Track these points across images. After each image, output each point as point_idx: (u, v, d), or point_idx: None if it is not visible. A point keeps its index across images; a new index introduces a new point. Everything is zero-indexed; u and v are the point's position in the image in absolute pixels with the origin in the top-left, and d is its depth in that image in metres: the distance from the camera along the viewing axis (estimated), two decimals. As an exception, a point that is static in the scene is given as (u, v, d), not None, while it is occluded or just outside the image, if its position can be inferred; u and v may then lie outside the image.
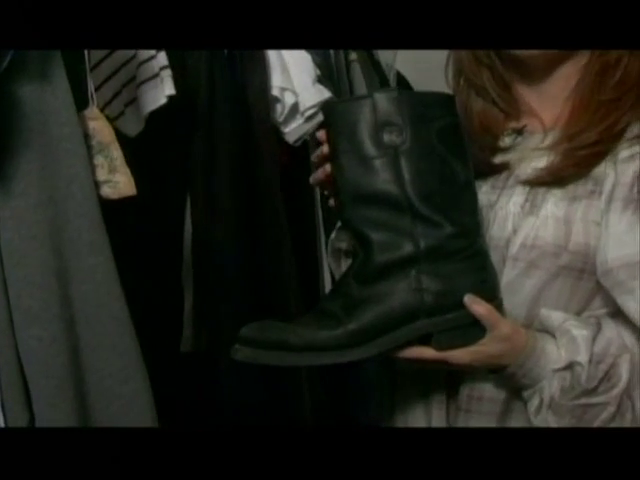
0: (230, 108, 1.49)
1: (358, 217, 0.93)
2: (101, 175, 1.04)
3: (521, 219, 1.01)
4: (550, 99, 1.08)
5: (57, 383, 0.98)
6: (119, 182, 1.05)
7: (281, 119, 1.67)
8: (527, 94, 1.10)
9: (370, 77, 2.43)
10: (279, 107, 1.66)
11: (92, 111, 1.06)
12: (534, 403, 0.97)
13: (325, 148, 0.97)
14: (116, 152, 1.05)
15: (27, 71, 0.96)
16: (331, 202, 1.03)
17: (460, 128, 0.97)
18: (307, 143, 1.80)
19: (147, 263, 1.31)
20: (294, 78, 1.66)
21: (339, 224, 1.17)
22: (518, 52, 1.03)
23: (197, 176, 1.44)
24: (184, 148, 1.43)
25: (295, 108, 1.66)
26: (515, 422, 1.03)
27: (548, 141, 1.05)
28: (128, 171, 1.07)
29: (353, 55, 2.32)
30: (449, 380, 1.05)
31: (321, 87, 1.72)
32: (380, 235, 0.93)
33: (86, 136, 1.04)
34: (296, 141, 1.71)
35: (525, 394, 0.98)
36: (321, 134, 0.98)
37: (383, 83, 2.65)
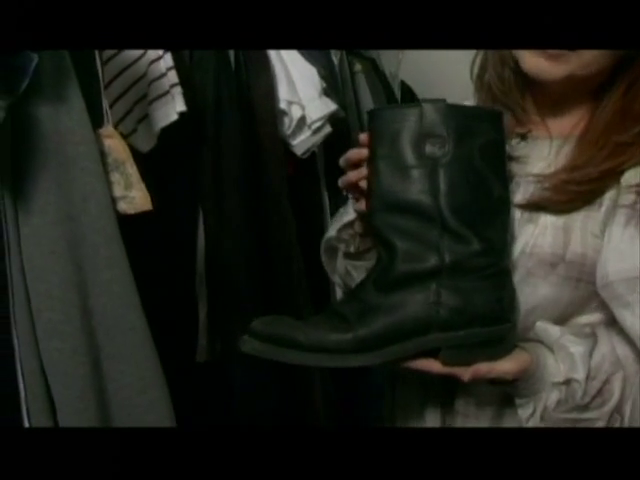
0: (238, 122, 1.52)
1: (387, 224, 0.92)
2: (118, 191, 1.07)
3: (520, 226, 1.01)
4: (562, 111, 1.08)
5: (79, 393, 1.01)
6: (135, 197, 1.08)
7: (289, 132, 1.70)
8: (540, 102, 1.10)
9: (375, 87, 2.47)
10: (286, 120, 1.69)
11: (107, 129, 1.09)
12: (527, 411, 0.98)
13: (364, 151, 0.96)
14: (131, 169, 1.08)
15: (43, 92, 1.00)
16: (357, 206, 1.03)
17: (503, 146, 0.96)
18: (314, 154, 1.84)
19: (161, 276, 1.34)
20: (300, 91, 1.70)
21: (337, 224, 1.18)
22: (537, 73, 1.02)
23: (208, 190, 1.47)
24: (195, 162, 1.46)
25: (302, 121, 1.70)
26: (507, 424, 1.03)
27: (551, 155, 1.06)
28: (143, 187, 1.10)
29: (358, 66, 2.36)
30: (447, 385, 1.06)
31: (327, 100, 1.76)
32: (406, 244, 0.92)
33: (102, 154, 1.08)
34: (304, 153, 1.75)
35: (519, 401, 0.99)
36: (363, 137, 0.96)
37: (388, 93, 2.68)
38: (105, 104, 1.11)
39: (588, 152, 1.01)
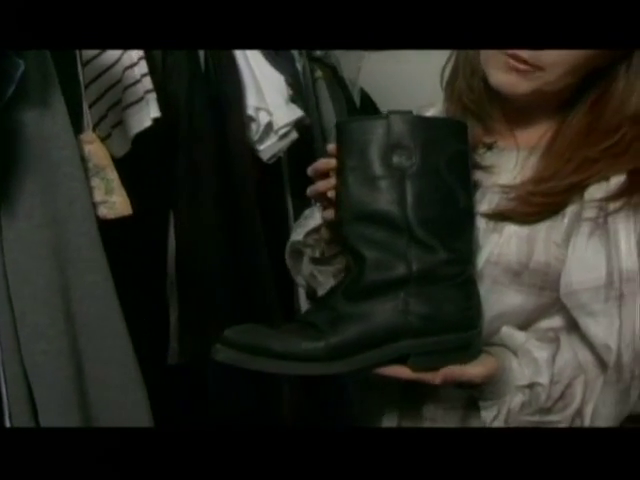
0: (210, 128, 1.54)
1: (355, 234, 0.93)
2: (98, 196, 1.09)
3: (485, 235, 1.03)
4: (529, 122, 1.10)
5: (62, 395, 1.03)
6: (115, 202, 1.10)
7: (256, 137, 1.73)
8: (508, 112, 1.11)
9: (335, 94, 2.51)
10: (254, 126, 1.71)
11: (88, 135, 1.11)
12: (491, 414, 1.00)
13: (332, 162, 0.96)
14: (112, 174, 1.10)
15: (28, 98, 1.02)
16: (325, 214, 1.03)
17: (468, 157, 0.97)
18: (279, 159, 1.87)
19: (133, 280, 1.35)
20: (268, 98, 1.72)
21: (303, 228, 1.19)
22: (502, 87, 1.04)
23: (180, 194, 1.49)
24: (166, 167, 1.47)
25: (269, 127, 1.72)
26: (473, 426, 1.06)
27: (517, 166, 1.08)
28: (124, 192, 1.12)
29: (319, 73, 2.39)
30: (406, 392, 1.09)
31: (294, 106, 1.79)
32: (374, 254, 0.92)
33: (82, 159, 1.09)
34: (270, 158, 1.77)
35: (483, 404, 1.00)
36: (331, 148, 0.97)
37: (348, 100, 2.72)
38: (86, 110, 1.12)
39: (554, 165, 1.03)
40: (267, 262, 1.67)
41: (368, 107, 2.96)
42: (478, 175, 1.05)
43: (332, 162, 0.96)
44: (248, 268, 1.62)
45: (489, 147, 1.09)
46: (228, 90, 1.62)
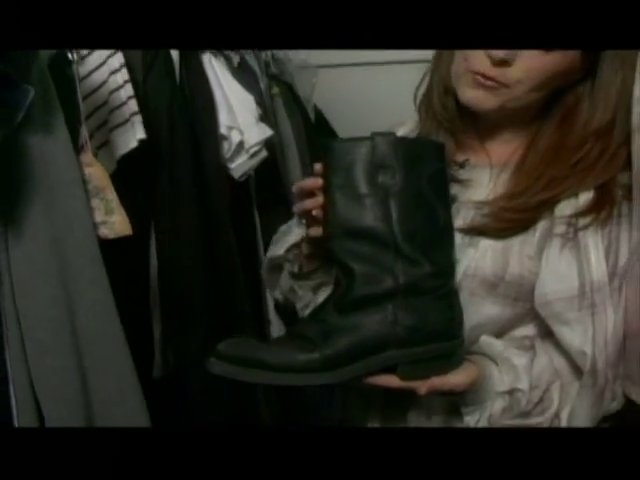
0: (187, 147, 1.59)
1: (344, 249, 0.96)
2: (98, 216, 1.13)
3: (462, 250, 1.06)
4: (501, 139, 1.14)
5: (68, 408, 1.06)
6: (115, 222, 1.14)
7: (228, 156, 1.78)
8: (481, 129, 1.15)
9: (292, 110, 2.56)
10: (226, 144, 1.76)
11: (87, 157, 1.15)
12: (474, 419, 1.04)
13: (319, 181, 1.00)
14: (111, 195, 1.14)
15: (33, 123, 1.05)
16: (311, 231, 1.06)
17: (446, 175, 1.01)
18: (249, 178, 1.93)
19: (118, 296, 1.39)
20: (239, 117, 1.78)
21: (283, 243, 1.23)
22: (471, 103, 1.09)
23: (160, 212, 1.54)
24: (148, 186, 1.51)
25: (241, 145, 1.77)
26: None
27: (491, 182, 1.12)
28: (123, 212, 1.16)
29: (275, 89, 2.45)
30: (389, 399, 1.14)
31: (263, 125, 1.85)
32: (363, 268, 0.95)
33: (83, 181, 1.13)
34: (241, 176, 1.83)
35: (465, 410, 1.04)
36: (317, 167, 1.01)
37: (303, 116, 2.78)
38: (85, 133, 1.16)
39: (525, 182, 1.07)
40: (242, 276, 1.72)
41: (322, 123, 3.03)
42: (453, 190, 1.09)
43: (319, 181, 1.00)
44: (224, 282, 1.67)
45: (461, 165, 1.14)
46: (203, 110, 1.67)
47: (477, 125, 1.15)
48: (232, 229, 1.72)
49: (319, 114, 3.04)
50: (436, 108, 1.15)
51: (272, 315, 1.99)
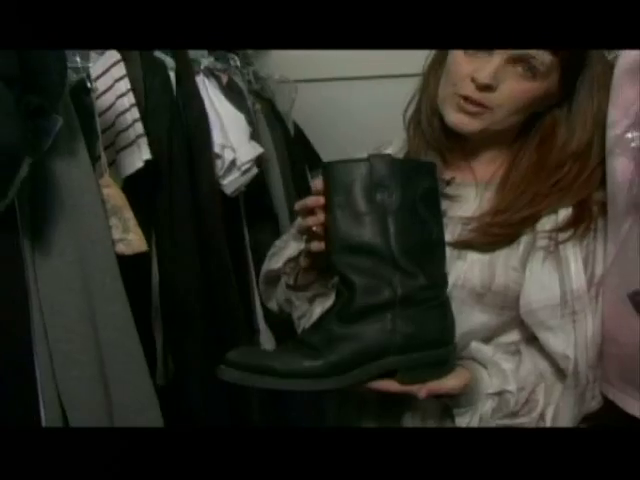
0: (185, 166, 1.66)
1: (345, 263, 1.01)
2: (116, 234, 1.20)
3: (451, 262, 1.12)
4: (485, 158, 1.21)
5: (93, 417, 1.13)
6: (132, 240, 1.21)
7: (221, 173, 1.85)
8: (467, 149, 1.21)
9: (273, 125, 2.64)
10: (219, 162, 1.83)
11: (105, 179, 1.22)
12: (465, 419, 1.10)
13: (321, 199, 1.05)
14: (128, 214, 1.21)
15: (58, 149, 1.12)
16: (313, 246, 1.11)
17: (438, 193, 1.07)
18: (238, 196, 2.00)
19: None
20: (231, 136, 1.85)
21: (280, 257, 1.29)
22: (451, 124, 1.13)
23: (161, 228, 1.60)
24: (149, 202, 1.58)
25: (233, 163, 1.84)
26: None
27: (477, 198, 1.18)
28: (139, 230, 1.23)
29: (257, 105, 2.53)
30: (383, 403, 1.19)
31: (255, 143, 1.93)
32: (363, 280, 1.01)
33: (102, 201, 1.20)
34: (233, 192, 1.90)
35: (457, 411, 1.10)
36: (317, 185, 1.06)
37: (284, 131, 2.86)
38: (103, 157, 1.23)
39: (509, 199, 1.13)
40: (235, 288, 1.80)
41: (301, 138, 3.11)
42: (442, 206, 1.13)
43: (320, 199, 1.05)
44: (219, 294, 1.74)
45: (448, 183, 1.20)
46: (198, 130, 1.74)
47: (463, 144, 1.21)
48: (225, 243, 1.79)
49: (297, 129, 3.12)
50: (424, 128, 1.21)
51: (261, 324, 2.07)
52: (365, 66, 3.14)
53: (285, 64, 3.16)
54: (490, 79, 1.07)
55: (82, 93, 1.20)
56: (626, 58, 1.05)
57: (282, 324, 1.87)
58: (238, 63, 2.55)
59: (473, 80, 1.09)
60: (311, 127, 3.19)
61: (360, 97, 3.19)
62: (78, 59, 1.15)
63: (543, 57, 1.07)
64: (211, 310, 1.70)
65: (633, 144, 0.99)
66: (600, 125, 1.10)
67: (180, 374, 1.59)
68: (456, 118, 1.13)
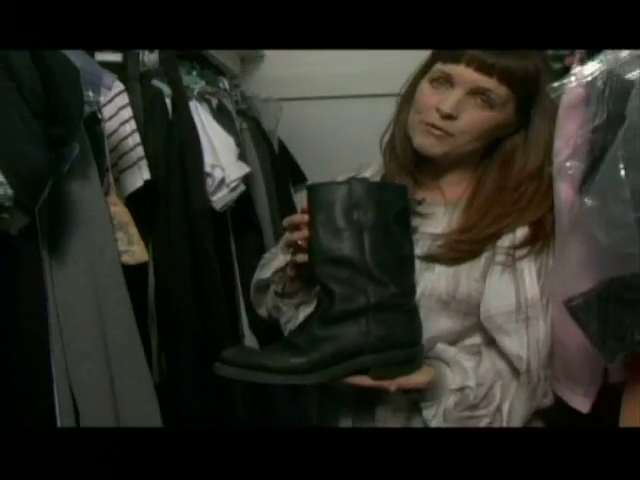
0: (179, 184, 1.82)
1: (326, 273, 1.13)
2: (121, 246, 1.36)
3: (420, 273, 1.23)
4: (453, 180, 1.32)
5: (101, 406, 1.28)
6: (135, 251, 1.37)
7: (211, 190, 2.01)
8: (434, 171, 1.32)
9: (258, 143, 2.79)
10: (210, 180, 1.99)
11: (112, 198, 1.38)
12: (431, 412, 1.20)
13: (305, 217, 1.16)
14: (132, 229, 1.37)
15: (73, 172, 1.27)
16: (298, 258, 1.23)
17: (409, 213, 1.19)
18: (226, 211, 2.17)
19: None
20: (221, 157, 2.02)
21: (269, 268, 1.40)
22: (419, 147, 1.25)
23: (158, 240, 1.76)
24: (148, 220, 1.74)
25: (222, 181, 2.01)
26: (416, 424, 1.25)
27: (445, 217, 1.29)
28: (142, 242, 1.39)
29: (244, 124, 2.68)
30: (360, 398, 1.29)
31: (242, 163, 2.10)
32: (341, 289, 1.12)
33: (109, 217, 1.36)
34: (221, 208, 2.06)
35: (424, 404, 1.21)
36: (304, 207, 1.18)
37: (269, 148, 3.01)
38: (110, 178, 1.39)
39: (475, 218, 1.25)
40: (223, 296, 1.96)
41: (285, 154, 3.26)
42: (414, 222, 1.26)
43: (305, 217, 1.17)
44: (208, 301, 1.90)
45: (419, 203, 1.31)
46: (191, 152, 1.90)
47: (433, 168, 1.32)
48: (215, 254, 1.95)
49: (282, 146, 3.27)
50: (398, 152, 1.33)
51: (246, 330, 2.24)
52: (348, 85, 3.33)
53: (271, 83, 3.33)
54: (452, 109, 1.20)
55: (93, 122, 1.36)
56: (568, 95, 1.15)
57: (265, 330, 2.04)
58: (227, 85, 2.72)
59: (437, 110, 1.22)
60: (295, 144, 3.34)
61: (342, 115, 3.36)
62: (90, 93, 1.30)
63: (499, 90, 1.20)
64: (201, 315, 1.85)
65: (570, 172, 1.10)
66: (550, 151, 1.18)
67: (172, 372, 1.75)
68: (422, 142, 1.25)
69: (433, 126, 1.23)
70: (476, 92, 1.21)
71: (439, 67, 1.24)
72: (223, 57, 2.86)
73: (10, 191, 1.10)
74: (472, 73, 1.20)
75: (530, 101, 1.24)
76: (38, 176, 1.11)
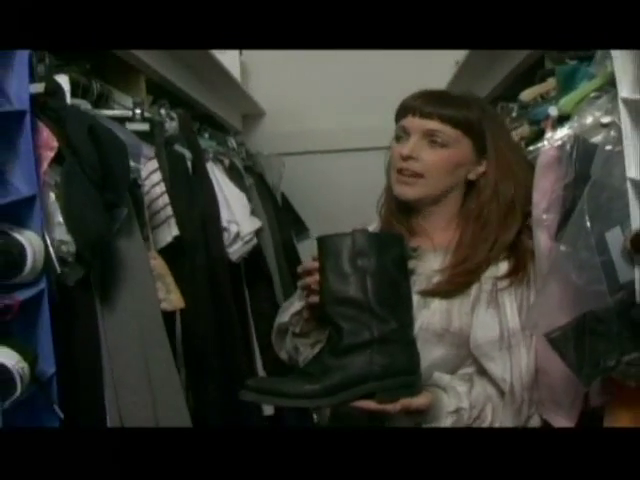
0: (201, 238, 2.03)
1: (335, 312, 1.25)
2: (161, 295, 1.56)
3: (418, 310, 1.35)
4: (440, 228, 1.42)
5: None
6: (173, 299, 1.57)
7: (227, 243, 2.23)
8: (422, 220, 1.43)
9: (264, 197, 3.02)
10: (226, 234, 2.22)
11: (152, 253, 1.59)
12: None
13: (316, 263, 1.30)
14: (169, 279, 1.57)
15: (120, 231, 1.49)
16: (311, 299, 1.36)
17: (406, 257, 1.31)
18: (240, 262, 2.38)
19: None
20: (236, 213, 2.24)
21: (288, 312, 1.48)
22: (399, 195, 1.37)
23: (183, 289, 1.96)
24: (175, 269, 1.94)
25: (237, 235, 2.23)
26: None
27: (438, 259, 1.40)
28: (178, 291, 1.60)
29: (250, 180, 2.91)
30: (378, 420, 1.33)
31: (254, 218, 2.33)
32: (349, 325, 1.24)
33: (150, 270, 1.57)
34: (237, 259, 2.28)
35: (425, 426, 1.29)
36: (314, 255, 1.31)
37: (273, 202, 3.21)
38: (150, 237, 1.60)
39: (464, 256, 1.37)
40: (241, 340, 2.16)
41: (288, 207, 3.47)
42: (411, 265, 1.38)
43: (315, 264, 1.32)
44: (228, 344, 2.10)
45: (414, 250, 1.41)
46: (211, 209, 2.12)
47: (420, 216, 1.44)
48: (233, 301, 2.15)
49: (284, 199, 3.48)
50: (388, 205, 1.48)
51: (260, 370, 2.43)
52: (347, 139, 3.56)
53: (274, 138, 3.57)
54: (410, 151, 1.36)
55: (134, 187, 1.57)
56: (543, 156, 1.27)
57: (277, 372, 2.23)
58: (235, 144, 2.95)
59: (400, 155, 1.37)
60: (296, 196, 3.55)
61: (342, 168, 3.59)
62: (132, 162, 1.51)
63: (446, 130, 1.35)
64: (222, 354, 2.05)
65: (547, 223, 1.23)
66: (520, 185, 1.34)
67: (198, 404, 1.94)
68: (399, 189, 1.39)
69: (400, 171, 1.37)
70: (426, 134, 1.37)
71: (398, 125, 1.42)
72: (226, 115, 3.09)
73: (73, 248, 1.31)
74: (419, 120, 1.37)
75: (483, 141, 1.39)
76: (97, 235, 1.32)
